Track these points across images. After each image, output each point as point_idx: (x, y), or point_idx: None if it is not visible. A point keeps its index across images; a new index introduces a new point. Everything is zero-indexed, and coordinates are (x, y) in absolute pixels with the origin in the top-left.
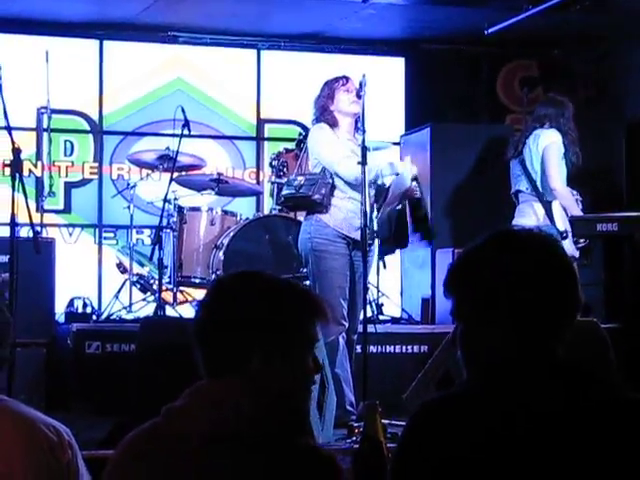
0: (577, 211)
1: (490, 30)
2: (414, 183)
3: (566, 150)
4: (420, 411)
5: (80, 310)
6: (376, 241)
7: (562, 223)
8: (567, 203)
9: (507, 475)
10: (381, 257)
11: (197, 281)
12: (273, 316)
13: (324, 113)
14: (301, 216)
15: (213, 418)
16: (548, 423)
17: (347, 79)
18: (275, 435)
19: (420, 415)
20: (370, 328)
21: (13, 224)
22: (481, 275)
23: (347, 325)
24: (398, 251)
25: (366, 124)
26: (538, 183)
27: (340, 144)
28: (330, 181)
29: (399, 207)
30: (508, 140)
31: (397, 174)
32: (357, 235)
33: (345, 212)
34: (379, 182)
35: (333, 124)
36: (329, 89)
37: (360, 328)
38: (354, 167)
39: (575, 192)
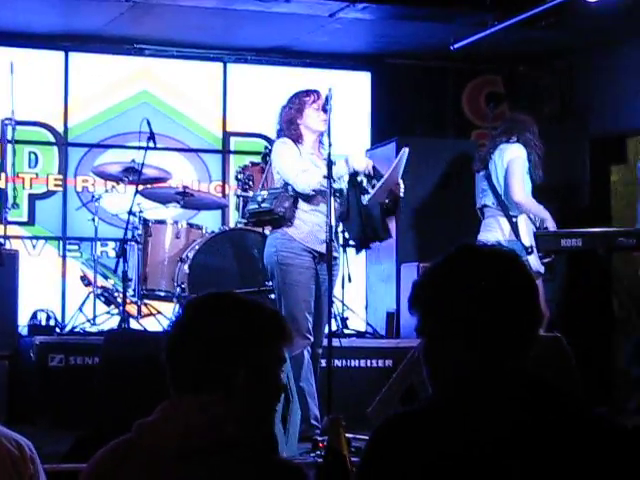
0: (546, 215)
1: (456, 45)
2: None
3: (531, 165)
4: (383, 425)
5: (43, 323)
6: (342, 254)
7: (528, 238)
8: (534, 211)
9: None
10: (359, 251)
11: (162, 294)
12: (252, 335)
13: (290, 126)
14: (267, 230)
15: (187, 433)
16: (515, 437)
17: (318, 95)
18: (246, 450)
19: (383, 429)
20: (335, 342)
21: None
22: (444, 291)
23: (312, 339)
24: (363, 265)
25: (332, 138)
26: (503, 198)
27: (299, 158)
28: (292, 194)
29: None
30: (473, 155)
31: (355, 171)
32: (323, 248)
33: (311, 225)
34: (337, 186)
35: (297, 139)
36: (299, 102)
37: (325, 342)
38: (310, 180)
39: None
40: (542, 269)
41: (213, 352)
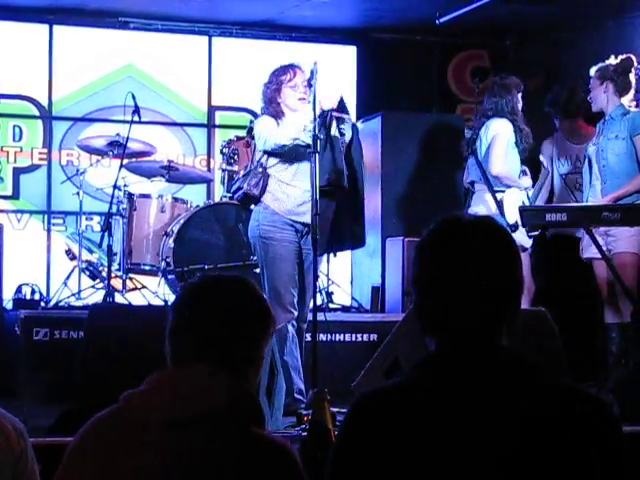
0: (526, 182)
1: (442, 20)
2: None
3: (517, 136)
4: (357, 404)
5: (28, 297)
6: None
7: (513, 216)
8: (513, 182)
9: (440, 466)
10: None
11: (147, 268)
12: (247, 317)
13: (271, 105)
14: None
15: (174, 403)
16: (485, 415)
17: (294, 72)
18: (232, 423)
19: (357, 408)
20: (320, 316)
21: None
22: (425, 266)
23: (296, 313)
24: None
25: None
26: (488, 174)
27: (274, 127)
28: (260, 171)
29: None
30: (459, 129)
31: (323, 111)
32: (307, 219)
33: (293, 198)
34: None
35: (278, 115)
36: (277, 82)
37: (310, 316)
38: (279, 135)
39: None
40: (528, 244)
41: (216, 332)
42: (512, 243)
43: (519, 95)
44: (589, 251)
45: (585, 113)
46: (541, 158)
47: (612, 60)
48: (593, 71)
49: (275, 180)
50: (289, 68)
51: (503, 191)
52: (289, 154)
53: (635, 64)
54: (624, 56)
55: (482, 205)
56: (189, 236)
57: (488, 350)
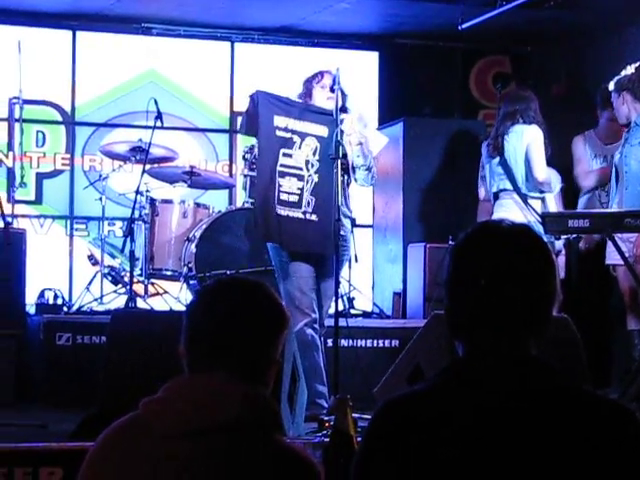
0: (558, 188)
1: (464, 25)
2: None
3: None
4: (381, 410)
5: (51, 302)
6: (350, 235)
7: None
8: (552, 187)
9: (465, 473)
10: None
11: (168, 273)
12: (265, 321)
13: None
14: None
15: (194, 412)
16: (506, 421)
17: (322, 75)
18: (253, 431)
19: (381, 414)
20: (341, 322)
21: None
22: (459, 271)
23: (313, 316)
24: (370, 246)
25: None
26: (521, 181)
27: None
28: None
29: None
30: (481, 135)
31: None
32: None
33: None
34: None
35: None
36: (306, 87)
37: (331, 322)
38: None
39: (558, 176)
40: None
41: (231, 335)
42: (549, 254)
43: (537, 108)
44: (612, 257)
45: None
46: (576, 154)
47: (627, 70)
48: (611, 85)
49: None
50: (318, 72)
51: (537, 198)
52: None
53: None
54: (637, 64)
55: (515, 211)
56: (211, 241)
57: (515, 358)
